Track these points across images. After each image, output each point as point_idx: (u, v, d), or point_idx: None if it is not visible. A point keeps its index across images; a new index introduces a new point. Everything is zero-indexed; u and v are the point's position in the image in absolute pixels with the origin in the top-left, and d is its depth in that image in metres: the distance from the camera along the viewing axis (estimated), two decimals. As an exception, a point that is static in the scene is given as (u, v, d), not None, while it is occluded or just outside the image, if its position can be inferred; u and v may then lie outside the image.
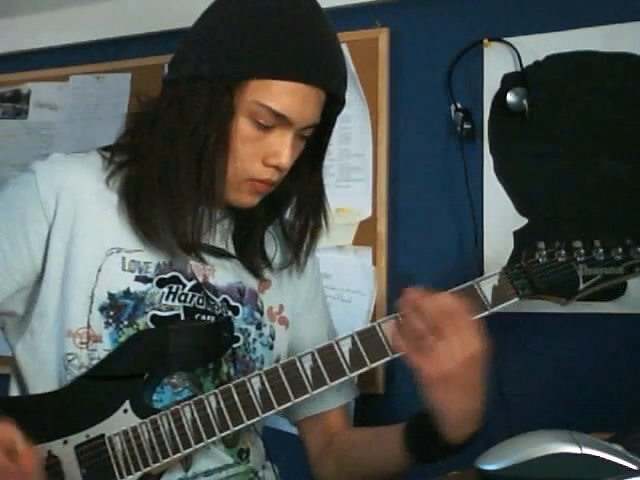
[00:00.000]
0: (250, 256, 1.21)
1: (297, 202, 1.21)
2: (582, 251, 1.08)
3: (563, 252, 1.09)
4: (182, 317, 1.11)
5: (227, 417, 1.04)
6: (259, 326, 1.20)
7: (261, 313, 1.21)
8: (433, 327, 1.02)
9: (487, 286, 1.09)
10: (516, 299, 1.08)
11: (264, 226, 1.23)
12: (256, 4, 1.07)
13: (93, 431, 1.05)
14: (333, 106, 1.15)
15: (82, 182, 1.12)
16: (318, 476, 1.29)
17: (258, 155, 1.10)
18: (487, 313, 1.08)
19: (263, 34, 1.05)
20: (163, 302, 1.11)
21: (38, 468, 0.94)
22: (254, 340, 1.19)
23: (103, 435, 1.05)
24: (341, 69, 1.13)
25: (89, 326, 1.08)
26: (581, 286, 1.08)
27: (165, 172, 1.08)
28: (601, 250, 1.08)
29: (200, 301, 1.14)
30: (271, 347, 1.22)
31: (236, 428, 1.05)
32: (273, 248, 1.25)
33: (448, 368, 1.02)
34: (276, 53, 1.05)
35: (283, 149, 1.09)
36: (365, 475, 1.23)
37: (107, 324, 1.08)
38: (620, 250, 1.08)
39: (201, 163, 1.07)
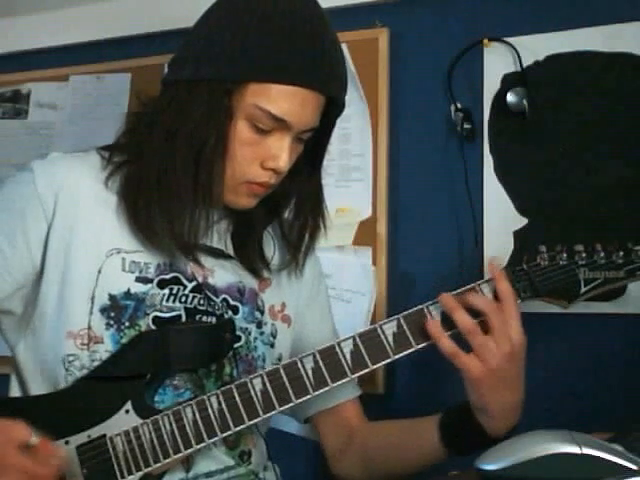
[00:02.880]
0: (249, 257, 1.21)
1: (295, 203, 1.21)
2: (583, 254, 1.09)
3: (564, 255, 1.09)
4: (183, 318, 1.12)
5: (228, 418, 1.05)
6: (260, 325, 1.20)
7: (262, 312, 1.21)
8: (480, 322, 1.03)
9: (488, 289, 1.09)
10: (518, 302, 1.08)
11: (262, 227, 1.23)
12: (256, 7, 1.07)
13: (94, 431, 1.05)
14: (333, 109, 1.15)
15: (81, 182, 1.12)
16: (340, 471, 1.29)
17: (256, 158, 1.10)
18: None
19: (263, 37, 1.05)
20: (164, 303, 1.11)
21: (58, 460, 0.96)
22: (255, 339, 1.19)
23: (104, 435, 1.05)
24: (341, 73, 1.12)
25: (90, 327, 1.08)
26: (582, 289, 1.09)
27: (163, 173, 1.08)
28: (602, 254, 1.08)
29: (201, 302, 1.14)
30: (272, 345, 1.22)
31: (237, 429, 1.05)
32: (271, 249, 1.25)
33: (496, 363, 1.03)
34: (276, 57, 1.05)
35: (281, 153, 1.09)
36: (395, 470, 1.23)
37: (108, 325, 1.08)
38: (621, 254, 1.08)
39: (199, 165, 1.07)
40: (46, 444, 0.95)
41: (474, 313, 1.05)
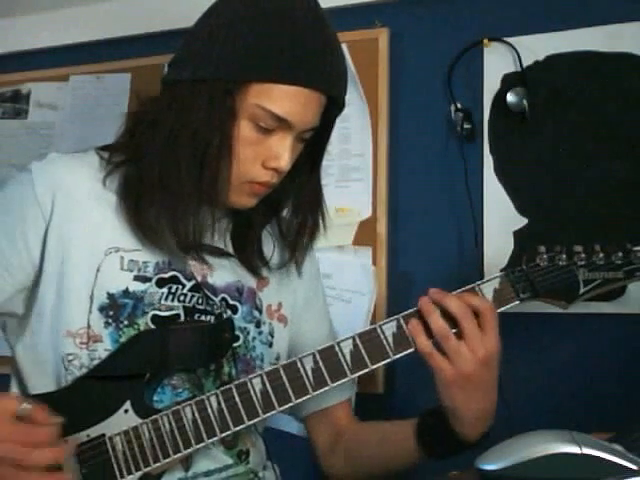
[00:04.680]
0: (248, 255, 1.21)
1: (295, 202, 1.21)
2: (582, 255, 1.09)
3: (564, 256, 1.09)
4: (182, 317, 1.12)
5: (228, 417, 1.05)
6: (258, 324, 1.20)
7: (260, 311, 1.21)
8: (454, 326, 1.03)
9: (488, 289, 1.09)
10: (516, 302, 1.08)
11: (262, 226, 1.23)
12: (257, 7, 1.07)
13: (94, 431, 1.05)
14: (333, 108, 1.15)
15: (79, 182, 1.12)
16: (328, 470, 1.30)
17: (258, 158, 1.10)
18: None
19: (265, 37, 1.05)
20: (163, 302, 1.11)
21: (54, 426, 0.93)
22: (253, 338, 1.19)
23: (104, 435, 1.05)
24: (342, 73, 1.13)
25: (89, 326, 1.08)
26: (581, 290, 1.09)
27: (166, 174, 1.08)
28: (601, 254, 1.09)
29: (199, 301, 1.14)
30: (270, 345, 1.22)
31: (237, 428, 1.05)
32: (271, 247, 1.25)
33: (469, 368, 1.03)
34: (278, 57, 1.05)
35: (283, 152, 1.09)
36: (375, 469, 1.24)
37: (107, 324, 1.08)
38: (620, 254, 1.08)
39: (203, 166, 1.07)
40: (39, 410, 0.92)
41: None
